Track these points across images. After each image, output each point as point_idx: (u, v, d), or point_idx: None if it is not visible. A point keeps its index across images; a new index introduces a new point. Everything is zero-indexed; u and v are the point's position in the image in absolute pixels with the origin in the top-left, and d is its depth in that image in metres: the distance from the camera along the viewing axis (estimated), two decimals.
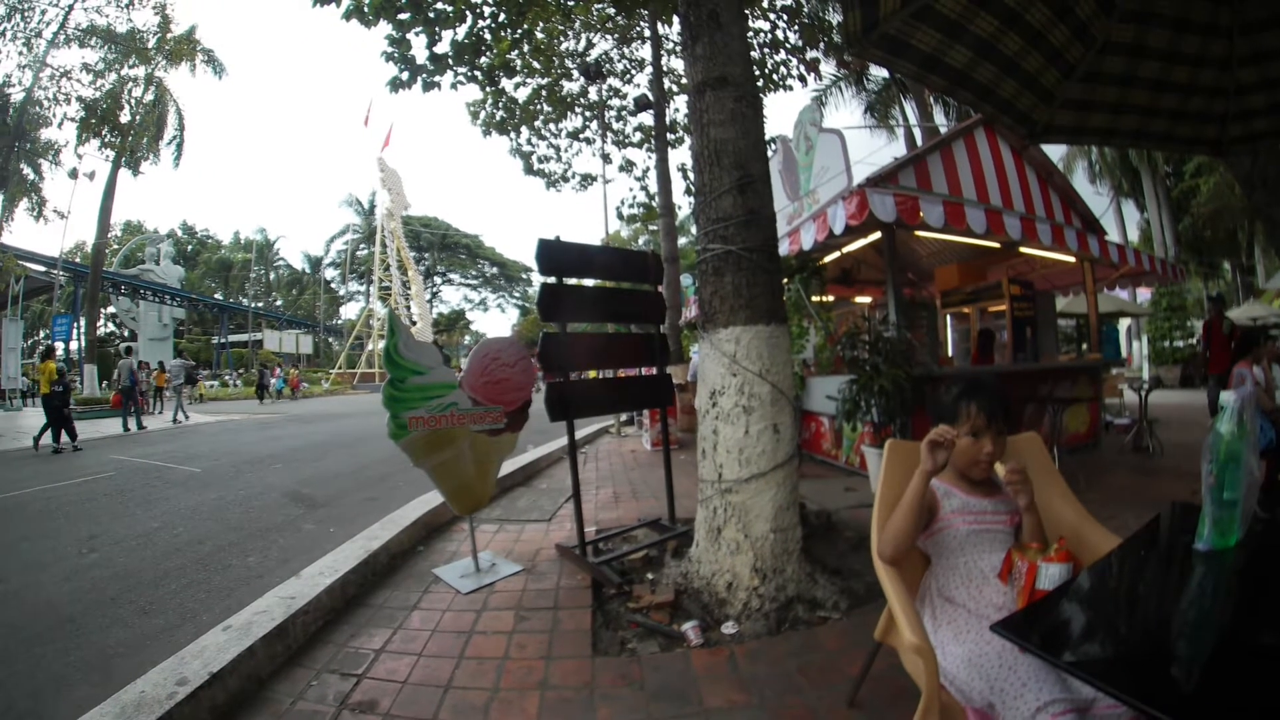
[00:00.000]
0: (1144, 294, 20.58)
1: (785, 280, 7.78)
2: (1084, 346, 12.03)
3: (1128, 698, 1.02)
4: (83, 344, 25.34)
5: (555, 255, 3.93)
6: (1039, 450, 2.21)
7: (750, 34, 9.90)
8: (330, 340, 55.01)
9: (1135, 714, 1.36)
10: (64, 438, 11.14)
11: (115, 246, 41.57)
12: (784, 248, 6.70)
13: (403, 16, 5.78)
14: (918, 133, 20.14)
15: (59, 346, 28.86)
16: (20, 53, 15.42)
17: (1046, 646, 1.25)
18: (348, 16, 5.59)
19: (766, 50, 9.93)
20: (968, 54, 3.00)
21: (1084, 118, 3.53)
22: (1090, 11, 2.93)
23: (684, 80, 12.70)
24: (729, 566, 3.26)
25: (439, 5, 6.02)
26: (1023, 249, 7.98)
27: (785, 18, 9.83)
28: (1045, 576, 1.59)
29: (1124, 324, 23.75)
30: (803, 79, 10.05)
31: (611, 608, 3.30)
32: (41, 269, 25.41)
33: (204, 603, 3.76)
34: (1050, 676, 1.39)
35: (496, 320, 74.37)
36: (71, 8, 15.64)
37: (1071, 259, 8.34)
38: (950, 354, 9.22)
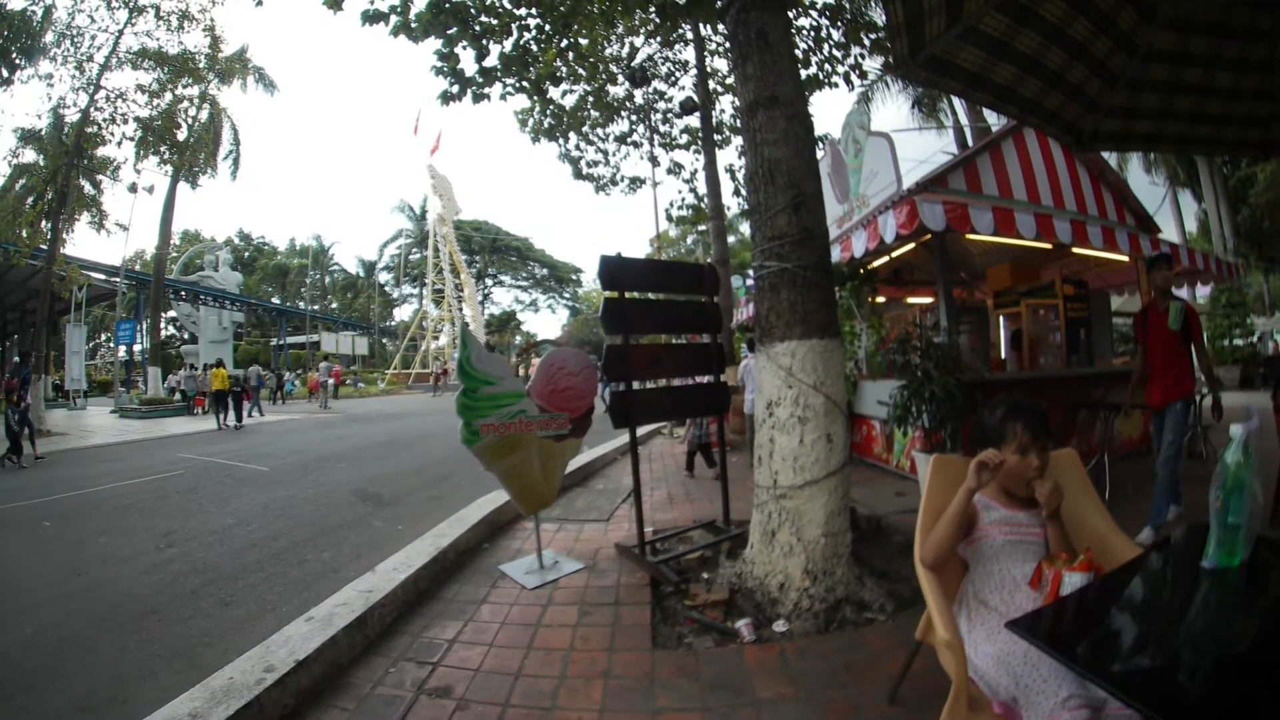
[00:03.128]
0: (1203, 290, 19.95)
1: (837, 286, 7.81)
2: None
3: (1119, 693, 1.15)
4: (146, 346, 26.39)
5: (617, 271, 4.11)
6: (1075, 467, 2.32)
7: (794, 31, 9.88)
8: (385, 341, 56.03)
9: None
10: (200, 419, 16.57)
11: (175, 255, 43.07)
12: (835, 254, 6.73)
13: (450, 32, 5.88)
14: (968, 131, 19.75)
15: (122, 350, 30.25)
16: (73, 76, 16.06)
17: (1057, 645, 1.39)
18: (395, 33, 5.69)
19: (811, 48, 9.90)
20: (1012, 70, 3.06)
21: (1129, 125, 3.55)
22: (1131, 21, 2.96)
23: (728, 80, 12.72)
24: (782, 568, 3.39)
25: (484, 19, 6.12)
26: (1075, 249, 7.90)
27: (828, 16, 9.79)
28: (1069, 584, 1.72)
29: None
30: (848, 79, 10.01)
31: (669, 604, 3.45)
32: (103, 277, 26.40)
33: (283, 595, 3.97)
34: (1070, 676, 1.51)
35: (547, 320, 74.93)
36: (121, 33, 16.20)
37: (1126, 259, 8.21)
38: (1003, 357, 9.11)
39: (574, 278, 65.36)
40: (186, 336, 45.23)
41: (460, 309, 45.83)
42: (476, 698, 2.59)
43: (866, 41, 9.46)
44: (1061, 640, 1.44)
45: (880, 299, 9.52)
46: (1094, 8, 2.85)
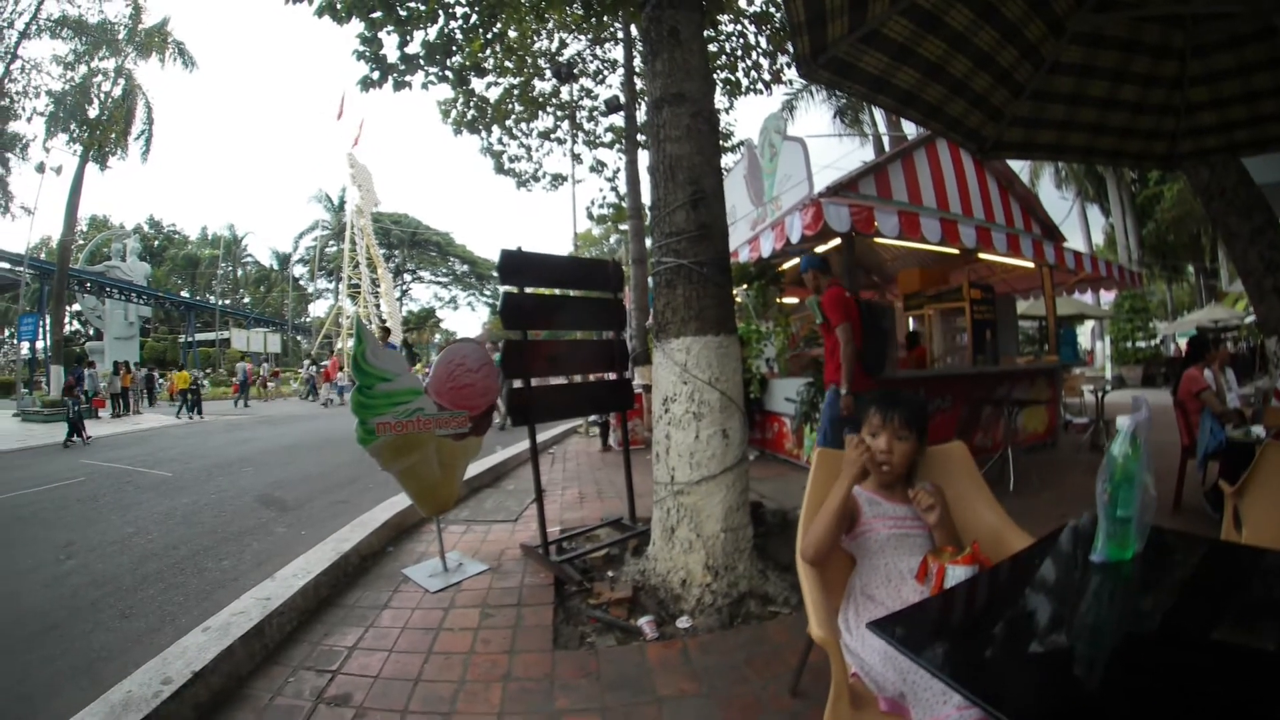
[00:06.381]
0: (1108, 296, 21.19)
1: (745, 286, 7.91)
2: (1044, 348, 12.32)
3: (981, 701, 1.05)
4: (49, 343, 24.62)
5: (517, 265, 4.03)
6: (964, 459, 2.35)
7: (722, 38, 10.03)
8: (299, 338, 53.47)
9: None
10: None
11: (81, 242, 40.46)
12: (745, 254, 6.85)
13: (374, 15, 5.72)
14: (886, 140, 20.35)
15: (25, 346, 28.17)
16: None
17: (928, 645, 1.34)
18: (320, 14, 5.51)
19: (738, 56, 10.00)
20: (916, 75, 3.07)
21: (1032, 134, 3.60)
22: (1040, 34, 3.00)
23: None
24: (683, 564, 3.40)
25: (411, 4, 5.97)
26: (981, 255, 8.20)
27: (755, 25, 9.92)
28: (953, 578, 1.72)
29: (1088, 325, 24.34)
30: (769, 86, 10.17)
31: (572, 604, 3.42)
32: (7, 266, 24.64)
33: (182, 606, 3.82)
34: None
35: (467, 318, 73.39)
36: None
37: (1030, 264, 8.58)
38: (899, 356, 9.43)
39: (494, 275, 63.44)
40: (92, 332, 42.67)
41: (377, 305, 44.43)
42: (375, 705, 2.52)
43: (790, 50, 9.60)
44: (933, 639, 1.40)
45: (794, 300, 9.72)
46: (1001, 19, 2.87)
